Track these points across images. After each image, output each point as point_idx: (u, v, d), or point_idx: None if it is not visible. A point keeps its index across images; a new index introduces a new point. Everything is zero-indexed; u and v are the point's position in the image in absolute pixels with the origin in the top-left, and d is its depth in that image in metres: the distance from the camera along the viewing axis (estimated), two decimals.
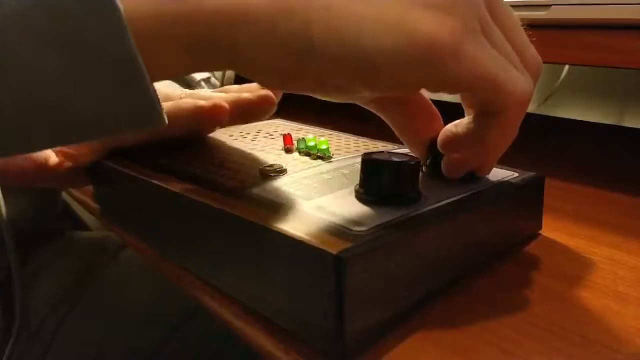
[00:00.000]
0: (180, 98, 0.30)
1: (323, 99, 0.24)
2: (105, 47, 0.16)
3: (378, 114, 0.26)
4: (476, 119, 0.22)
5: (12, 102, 0.16)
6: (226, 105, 0.27)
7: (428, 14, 0.18)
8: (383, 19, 0.18)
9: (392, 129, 0.26)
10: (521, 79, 0.21)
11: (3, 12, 0.15)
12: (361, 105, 0.26)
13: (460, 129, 0.23)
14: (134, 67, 0.17)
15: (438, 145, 0.25)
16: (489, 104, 0.21)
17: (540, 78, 0.23)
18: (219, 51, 0.19)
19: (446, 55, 0.18)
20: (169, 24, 0.18)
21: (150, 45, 0.17)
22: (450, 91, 0.20)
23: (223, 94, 0.30)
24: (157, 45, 0.18)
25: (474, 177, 0.26)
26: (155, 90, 0.18)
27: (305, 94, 0.21)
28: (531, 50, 0.23)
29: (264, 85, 0.21)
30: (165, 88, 0.33)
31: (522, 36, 0.22)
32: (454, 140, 0.24)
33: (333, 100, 0.24)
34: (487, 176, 0.27)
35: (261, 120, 0.32)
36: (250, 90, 0.31)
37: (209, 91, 0.31)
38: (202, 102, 0.27)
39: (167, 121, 0.19)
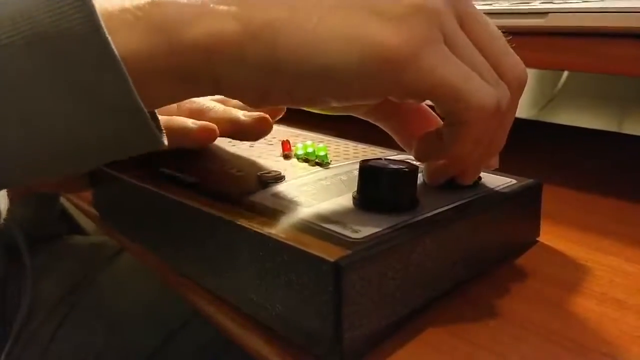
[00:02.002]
0: (180, 105, 0.30)
1: (311, 110, 0.24)
2: (104, 87, 0.18)
3: (377, 124, 0.26)
4: (444, 129, 0.22)
5: (18, 137, 0.17)
6: (215, 128, 0.28)
7: (385, 26, 0.19)
8: (340, 34, 0.19)
9: (392, 136, 0.27)
10: (486, 89, 0.20)
11: (8, 52, 0.16)
12: (359, 117, 0.26)
13: (433, 137, 0.24)
14: (133, 103, 0.18)
15: (414, 152, 0.25)
16: (450, 114, 0.21)
17: (538, 84, 0.23)
18: (203, 79, 0.20)
19: (403, 65, 0.19)
20: (155, 58, 0.19)
21: (142, 79, 0.18)
22: (415, 100, 0.21)
23: (221, 108, 0.30)
24: (148, 79, 0.19)
25: (472, 183, 0.26)
26: (155, 117, 0.19)
27: (280, 105, 0.22)
28: (510, 59, 0.22)
29: (246, 104, 0.22)
30: None
31: (500, 46, 0.22)
32: (425, 147, 0.24)
33: (322, 112, 0.25)
34: (484, 183, 0.27)
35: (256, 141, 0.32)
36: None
37: (209, 100, 0.31)
38: (190, 124, 0.27)
39: (167, 143, 0.20)
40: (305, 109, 0.24)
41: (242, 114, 0.29)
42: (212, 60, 0.19)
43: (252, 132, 0.28)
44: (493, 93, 0.20)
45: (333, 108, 0.25)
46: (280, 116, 0.32)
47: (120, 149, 0.20)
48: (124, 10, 0.19)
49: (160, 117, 0.28)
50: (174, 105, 0.30)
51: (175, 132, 0.27)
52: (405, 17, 0.19)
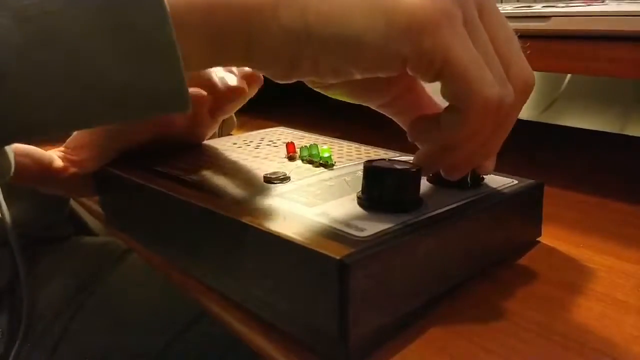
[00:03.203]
0: None
1: (327, 93, 0.25)
2: (150, 34, 0.18)
3: (392, 118, 0.27)
4: (442, 114, 0.23)
5: (66, 79, 0.18)
6: (204, 93, 0.28)
7: None
8: (368, 3, 0.20)
9: (396, 121, 0.27)
10: (493, 85, 0.21)
11: (61, 2, 0.17)
12: (376, 109, 0.27)
13: (428, 119, 0.24)
14: (174, 52, 0.19)
15: (407, 129, 0.25)
16: (454, 97, 0.21)
17: (541, 86, 0.23)
18: (237, 42, 0.21)
19: (422, 31, 0.20)
20: (196, 15, 0.20)
21: (180, 35, 0.19)
22: (427, 77, 0.21)
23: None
24: (185, 35, 0.19)
25: (474, 183, 0.27)
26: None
27: (307, 78, 0.23)
28: (521, 64, 0.22)
29: (275, 76, 0.22)
30: None
31: (514, 49, 0.22)
32: (422, 124, 0.24)
33: (339, 98, 0.25)
34: (487, 183, 0.27)
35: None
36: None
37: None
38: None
39: (191, 108, 0.21)
40: (324, 92, 0.25)
41: (219, 81, 0.29)
42: (248, 20, 0.20)
43: (227, 99, 0.28)
44: (498, 89, 0.21)
45: (351, 90, 0.25)
46: (258, 87, 0.33)
47: (151, 99, 0.20)
48: None
49: None
50: None
51: None
52: None
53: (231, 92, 0.31)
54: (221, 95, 0.30)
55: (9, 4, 0.17)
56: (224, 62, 0.23)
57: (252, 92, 0.34)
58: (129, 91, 0.19)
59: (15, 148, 0.31)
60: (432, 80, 0.21)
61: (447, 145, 0.23)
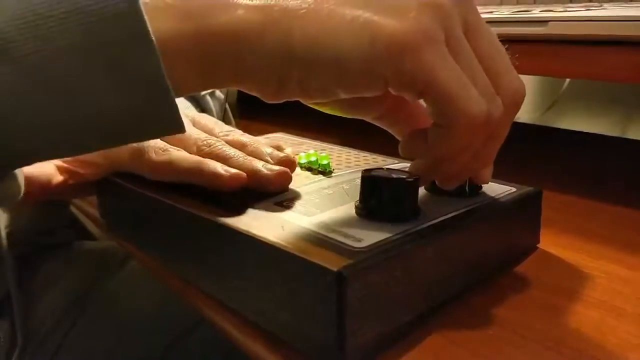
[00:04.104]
0: (199, 145, 0.30)
1: (319, 109, 0.25)
2: (142, 69, 0.19)
3: (387, 130, 0.27)
4: (430, 129, 0.23)
5: (66, 116, 0.19)
6: (244, 177, 0.27)
7: (394, 17, 0.20)
8: (352, 23, 0.20)
9: (391, 132, 0.27)
10: (478, 101, 0.21)
11: (61, 44, 0.18)
12: (371, 122, 0.27)
13: (417, 136, 0.24)
14: (163, 83, 0.19)
15: (399, 147, 0.25)
16: (440, 115, 0.22)
17: (541, 88, 0.23)
18: (225, 65, 0.21)
19: (402, 52, 0.20)
20: (183, 43, 0.20)
21: (168, 65, 0.19)
22: (410, 95, 0.21)
23: (242, 156, 0.29)
24: (174, 64, 0.20)
25: (472, 192, 0.27)
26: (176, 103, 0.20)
27: (296, 99, 0.23)
28: (509, 75, 0.23)
29: (263, 97, 0.23)
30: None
31: (501, 60, 0.23)
32: (411, 140, 0.25)
33: (334, 114, 0.25)
34: (485, 191, 0.28)
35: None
36: (262, 154, 0.30)
37: (228, 147, 0.30)
38: (221, 170, 0.27)
39: (186, 128, 0.21)
40: (317, 108, 0.25)
41: (263, 165, 0.28)
42: (237, 44, 0.21)
43: (272, 185, 0.28)
44: (483, 104, 0.21)
45: (342, 106, 0.26)
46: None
47: (145, 125, 0.21)
48: None
49: (191, 156, 0.29)
50: (193, 146, 0.31)
51: (207, 175, 0.28)
52: (413, 11, 0.20)
53: (278, 176, 0.28)
54: (266, 179, 0.29)
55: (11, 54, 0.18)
56: (215, 86, 0.23)
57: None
58: (123, 120, 0.20)
59: None
60: (416, 99, 0.21)
61: (439, 157, 0.23)
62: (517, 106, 0.23)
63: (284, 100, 0.23)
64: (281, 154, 0.30)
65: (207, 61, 0.21)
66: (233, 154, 0.29)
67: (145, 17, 0.19)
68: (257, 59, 0.21)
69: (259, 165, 0.28)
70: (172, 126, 0.21)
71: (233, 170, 0.27)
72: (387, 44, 0.20)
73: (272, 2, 0.21)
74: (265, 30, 0.21)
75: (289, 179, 0.28)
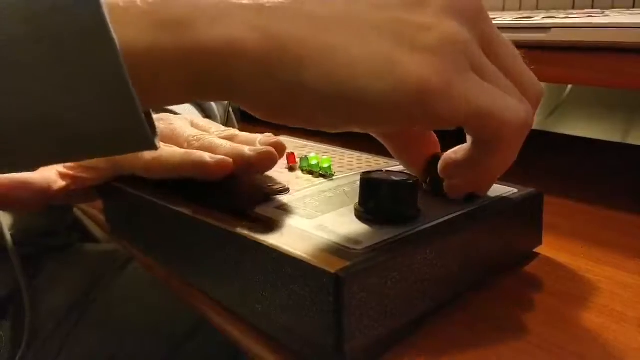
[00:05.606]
0: (189, 141, 0.30)
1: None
2: (100, 72, 0.17)
3: (378, 139, 0.27)
4: (474, 146, 0.23)
5: (17, 123, 0.17)
6: (230, 162, 0.27)
7: (416, 56, 0.19)
8: (373, 61, 0.19)
9: (391, 153, 0.27)
10: (518, 106, 0.21)
11: (10, 39, 0.16)
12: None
13: (459, 156, 0.24)
14: (126, 91, 0.17)
15: (439, 172, 0.25)
16: (481, 132, 0.22)
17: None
18: (214, 84, 0.19)
19: (436, 97, 0.19)
20: (166, 58, 0.18)
21: (149, 76, 0.18)
22: (446, 127, 0.21)
23: (229, 145, 0.29)
24: (155, 76, 0.19)
25: (472, 194, 0.27)
26: (149, 115, 0.19)
27: (296, 126, 0.21)
28: (529, 77, 0.23)
29: (256, 115, 0.21)
30: (180, 121, 0.33)
31: (520, 64, 0.23)
32: (453, 166, 0.24)
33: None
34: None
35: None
36: (253, 141, 0.30)
37: (217, 138, 0.31)
38: (207, 158, 0.27)
39: (159, 146, 0.20)
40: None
41: (247, 149, 0.28)
42: (229, 66, 0.19)
43: (254, 164, 0.28)
44: (522, 108, 0.21)
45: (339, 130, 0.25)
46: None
47: (111, 141, 0.19)
48: (131, 3, 0.18)
49: (180, 150, 0.29)
50: (184, 142, 0.30)
51: (194, 165, 0.27)
52: (435, 48, 0.19)
53: (261, 156, 0.28)
54: (249, 160, 0.28)
55: None
56: (205, 99, 0.22)
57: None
58: (87, 134, 0.18)
59: (11, 178, 0.31)
60: (452, 128, 0.21)
61: (483, 171, 0.24)
62: (539, 103, 0.23)
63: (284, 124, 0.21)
64: (271, 139, 0.29)
65: (192, 76, 0.19)
66: (220, 143, 0.29)
67: (105, 11, 0.17)
68: (259, 86, 0.19)
69: (244, 149, 0.28)
70: (142, 142, 0.19)
71: (219, 157, 0.27)
72: (413, 91, 0.19)
73: (270, 20, 0.19)
74: (271, 58, 0.19)
75: (274, 159, 0.28)
